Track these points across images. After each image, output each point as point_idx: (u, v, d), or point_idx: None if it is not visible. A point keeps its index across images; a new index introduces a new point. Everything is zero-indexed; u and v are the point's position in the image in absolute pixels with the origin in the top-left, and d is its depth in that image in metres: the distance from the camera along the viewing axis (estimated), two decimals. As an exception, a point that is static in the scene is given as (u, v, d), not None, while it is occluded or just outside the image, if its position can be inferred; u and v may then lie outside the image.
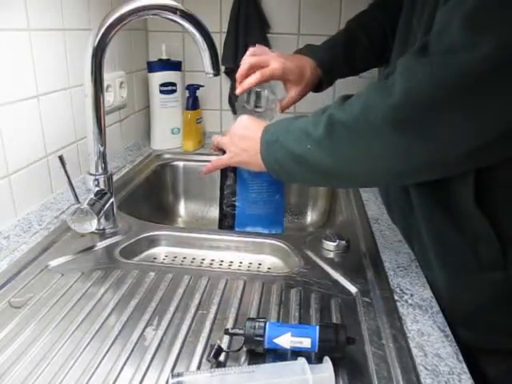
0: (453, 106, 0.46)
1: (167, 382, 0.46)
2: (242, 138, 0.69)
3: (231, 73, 1.34)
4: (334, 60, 0.84)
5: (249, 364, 0.49)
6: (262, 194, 0.80)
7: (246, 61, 0.79)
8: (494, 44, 0.42)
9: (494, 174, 0.54)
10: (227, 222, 0.82)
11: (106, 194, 0.76)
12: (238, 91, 0.80)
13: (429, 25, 0.54)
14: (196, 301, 0.59)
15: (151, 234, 0.79)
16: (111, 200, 0.77)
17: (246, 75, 0.78)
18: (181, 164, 1.24)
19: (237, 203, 0.80)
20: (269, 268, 0.77)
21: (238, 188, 0.79)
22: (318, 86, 0.86)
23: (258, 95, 0.81)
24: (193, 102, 1.28)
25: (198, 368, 0.48)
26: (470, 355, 0.52)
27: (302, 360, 0.46)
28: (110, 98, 1.11)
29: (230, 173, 0.79)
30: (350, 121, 0.52)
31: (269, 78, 0.79)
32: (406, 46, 0.63)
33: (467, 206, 0.56)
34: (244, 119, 0.72)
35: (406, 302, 0.60)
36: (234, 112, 1.41)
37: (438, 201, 0.59)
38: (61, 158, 0.70)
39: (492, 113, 0.45)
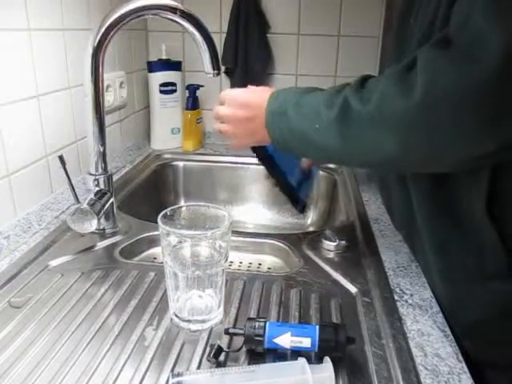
0: (477, 104, 0.43)
1: (167, 381, 0.45)
2: (244, 107, 0.63)
3: (231, 73, 1.34)
4: None
5: (249, 364, 0.49)
6: (291, 163, 0.79)
7: None
8: None
9: (509, 183, 0.52)
10: (295, 198, 0.80)
11: (105, 194, 0.76)
12: None
13: (425, 20, 0.54)
14: (196, 301, 0.59)
15: (151, 234, 0.79)
16: (111, 200, 0.77)
17: None
18: (181, 164, 1.24)
19: (288, 177, 0.78)
20: (269, 268, 0.77)
21: (281, 166, 0.78)
22: None
23: None
24: (193, 102, 1.28)
25: (198, 368, 0.48)
26: (472, 366, 0.52)
27: (302, 360, 0.46)
28: (110, 98, 1.11)
29: (264, 164, 0.77)
30: (365, 112, 0.50)
31: None
32: (403, 44, 0.62)
33: (476, 216, 0.54)
34: (244, 89, 0.66)
35: (406, 301, 0.60)
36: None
37: (443, 208, 0.58)
38: (61, 158, 0.70)
39: None
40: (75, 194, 0.72)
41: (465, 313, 0.59)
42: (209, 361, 0.48)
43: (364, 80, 0.53)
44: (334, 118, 0.52)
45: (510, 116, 0.43)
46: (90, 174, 0.75)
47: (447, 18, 0.48)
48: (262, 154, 0.76)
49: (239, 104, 0.65)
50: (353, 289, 0.63)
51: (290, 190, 0.80)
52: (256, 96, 0.63)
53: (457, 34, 0.45)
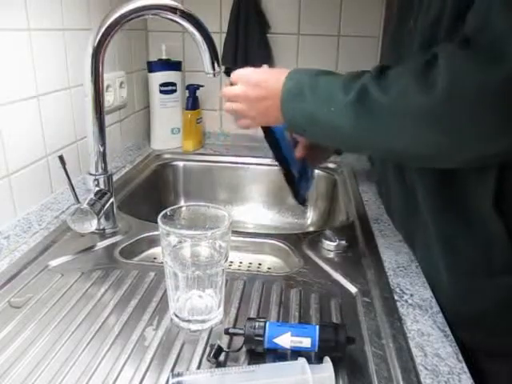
0: (497, 105, 0.44)
1: (167, 381, 0.45)
2: (257, 86, 0.63)
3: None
4: None
5: (249, 364, 0.49)
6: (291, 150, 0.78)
7: None
8: None
9: None
10: (296, 189, 0.80)
11: (105, 193, 0.76)
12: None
13: (426, 23, 0.54)
14: (196, 301, 0.59)
15: (151, 234, 0.79)
16: (111, 200, 0.77)
17: None
18: (181, 164, 1.24)
19: (291, 166, 0.78)
20: (269, 268, 0.77)
21: (286, 155, 0.77)
22: None
23: None
24: (193, 102, 1.28)
25: (198, 368, 0.48)
26: (473, 358, 0.52)
27: (302, 360, 0.46)
28: (110, 98, 1.11)
29: (271, 147, 0.77)
30: (383, 102, 0.50)
31: None
32: (400, 46, 0.62)
33: (483, 211, 0.54)
34: (258, 69, 0.66)
35: (406, 301, 0.60)
36: (234, 112, 1.41)
37: (450, 203, 0.58)
38: (61, 158, 0.70)
39: None
40: (75, 194, 0.72)
41: (469, 306, 0.59)
42: (209, 361, 0.48)
43: (383, 69, 0.53)
44: (351, 102, 0.52)
45: None
46: (90, 174, 0.75)
47: (454, 18, 0.48)
48: (270, 137, 0.76)
49: (252, 83, 0.64)
50: (353, 289, 0.63)
51: (292, 179, 0.79)
52: (268, 76, 0.63)
53: (476, 35, 0.45)
